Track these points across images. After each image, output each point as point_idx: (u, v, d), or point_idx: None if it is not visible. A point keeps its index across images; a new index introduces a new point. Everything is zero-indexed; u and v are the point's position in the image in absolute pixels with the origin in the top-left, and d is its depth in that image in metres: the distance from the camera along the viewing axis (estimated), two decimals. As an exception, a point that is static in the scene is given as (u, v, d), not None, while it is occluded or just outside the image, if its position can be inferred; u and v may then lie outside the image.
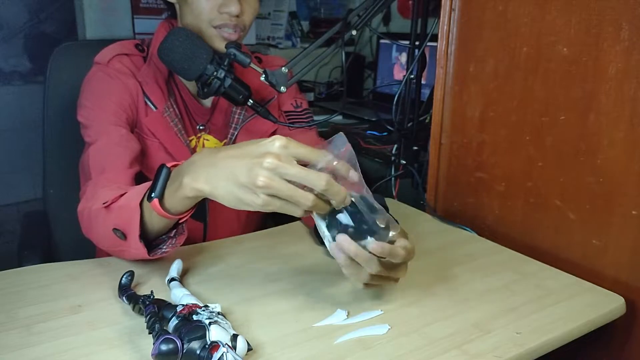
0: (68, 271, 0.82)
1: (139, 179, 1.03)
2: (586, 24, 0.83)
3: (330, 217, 0.68)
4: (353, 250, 0.67)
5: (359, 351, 0.64)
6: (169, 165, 0.73)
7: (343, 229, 0.67)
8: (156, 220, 0.75)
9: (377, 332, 0.68)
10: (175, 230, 0.80)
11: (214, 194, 0.66)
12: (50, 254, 1.18)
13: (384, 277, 0.71)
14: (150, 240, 0.80)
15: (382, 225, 0.68)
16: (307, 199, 0.63)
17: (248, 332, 0.67)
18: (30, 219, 1.30)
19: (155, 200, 0.71)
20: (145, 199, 0.73)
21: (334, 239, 0.68)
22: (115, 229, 0.77)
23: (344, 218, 0.68)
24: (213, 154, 0.67)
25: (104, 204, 0.79)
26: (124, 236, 0.77)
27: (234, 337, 0.59)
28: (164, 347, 0.56)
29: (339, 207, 0.66)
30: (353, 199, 0.67)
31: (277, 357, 0.63)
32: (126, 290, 0.72)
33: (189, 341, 0.57)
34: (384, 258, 0.68)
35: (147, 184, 0.76)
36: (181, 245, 0.94)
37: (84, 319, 0.69)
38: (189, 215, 0.76)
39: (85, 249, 1.09)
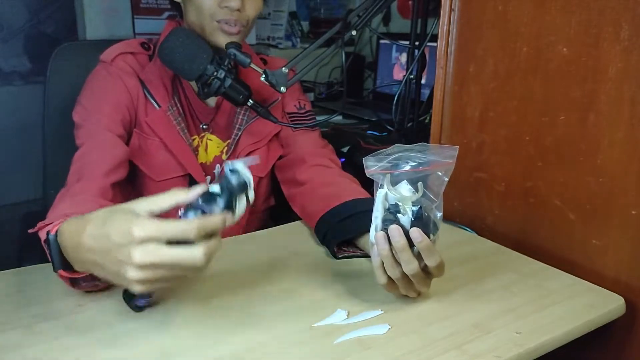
0: (68, 271, 0.82)
1: (135, 178, 1.04)
2: (586, 24, 0.83)
3: (389, 212, 0.69)
4: (402, 244, 0.67)
5: (359, 351, 0.64)
6: (52, 232, 0.67)
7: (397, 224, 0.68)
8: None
9: (377, 332, 0.68)
10: None
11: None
12: (50, 254, 1.18)
13: (410, 284, 0.71)
14: None
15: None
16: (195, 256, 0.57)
17: (248, 332, 0.67)
18: (30, 219, 1.30)
19: (61, 271, 0.67)
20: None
21: (384, 229, 0.68)
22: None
23: (404, 220, 0.68)
24: (82, 250, 0.61)
25: (37, 226, 0.74)
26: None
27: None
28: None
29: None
30: (424, 210, 0.68)
31: (277, 357, 0.63)
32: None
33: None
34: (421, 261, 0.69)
35: (56, 227, 0.68)
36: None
37: (84, 319, 0.69)
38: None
39: (85, 249, 1.08)
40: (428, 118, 1.38)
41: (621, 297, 0.78)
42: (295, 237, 0.98)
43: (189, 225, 0.57)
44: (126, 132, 0.99)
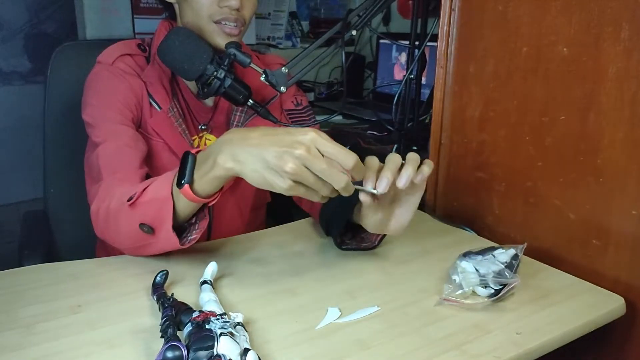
0: (68, 271, 0.82)
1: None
2: (586, 24, 0.83)
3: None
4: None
5: (359, 351, 0.64)
6: (193, 151, 0.75)
7: None
8: (184, 207, 0.76)
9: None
10: (196, 217, 0.81)
11: (243, 172, 0.68)
12: (50, 254, 1.18)
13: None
14: (175, 230, 0.79)
15: None
16: (340, 179, 0.66)
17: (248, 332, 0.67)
18: (31, 218, 1.30)
19: (187, 186, 0.72)
20: (174, 186, 0.75)
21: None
22: (142, 225, 0.77)
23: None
24: (246, 134, 0.69)
25: (128, 201, 0.78)
26: (151, 230, 0.77)
27: (245, 352, 0.57)
28: (169, 354, 0.55)
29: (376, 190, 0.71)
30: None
31: (277, 357, 0.63)
32: (157, 290, 0.72)
33: (196, 350, 0.56)
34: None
35: (168, 175, 0.78)
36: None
37: (84, 319, 0.69)
38: (218, 197, 0.77)
39: (85, 249, 1.09)
40: (428, 118, 1.38)
41: (621, 297, 0.78)
42: (295, 236, 0.98)
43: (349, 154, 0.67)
44: (136, 130, 0.99)
